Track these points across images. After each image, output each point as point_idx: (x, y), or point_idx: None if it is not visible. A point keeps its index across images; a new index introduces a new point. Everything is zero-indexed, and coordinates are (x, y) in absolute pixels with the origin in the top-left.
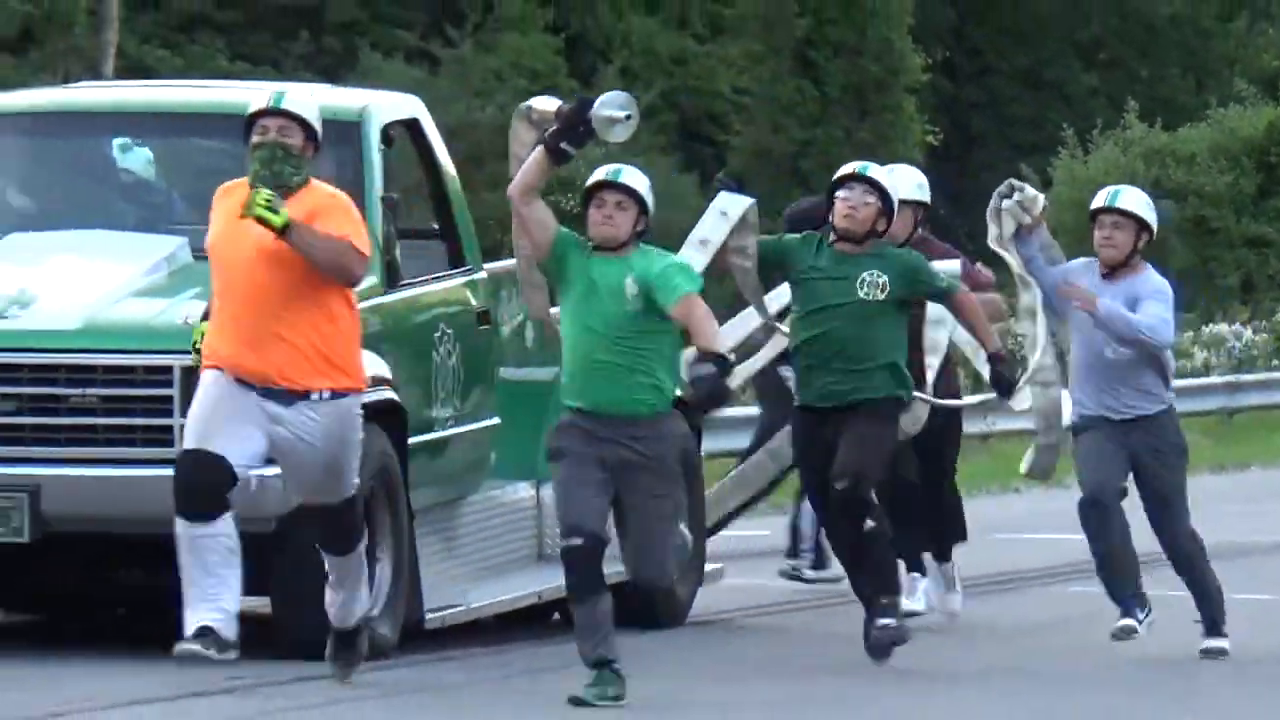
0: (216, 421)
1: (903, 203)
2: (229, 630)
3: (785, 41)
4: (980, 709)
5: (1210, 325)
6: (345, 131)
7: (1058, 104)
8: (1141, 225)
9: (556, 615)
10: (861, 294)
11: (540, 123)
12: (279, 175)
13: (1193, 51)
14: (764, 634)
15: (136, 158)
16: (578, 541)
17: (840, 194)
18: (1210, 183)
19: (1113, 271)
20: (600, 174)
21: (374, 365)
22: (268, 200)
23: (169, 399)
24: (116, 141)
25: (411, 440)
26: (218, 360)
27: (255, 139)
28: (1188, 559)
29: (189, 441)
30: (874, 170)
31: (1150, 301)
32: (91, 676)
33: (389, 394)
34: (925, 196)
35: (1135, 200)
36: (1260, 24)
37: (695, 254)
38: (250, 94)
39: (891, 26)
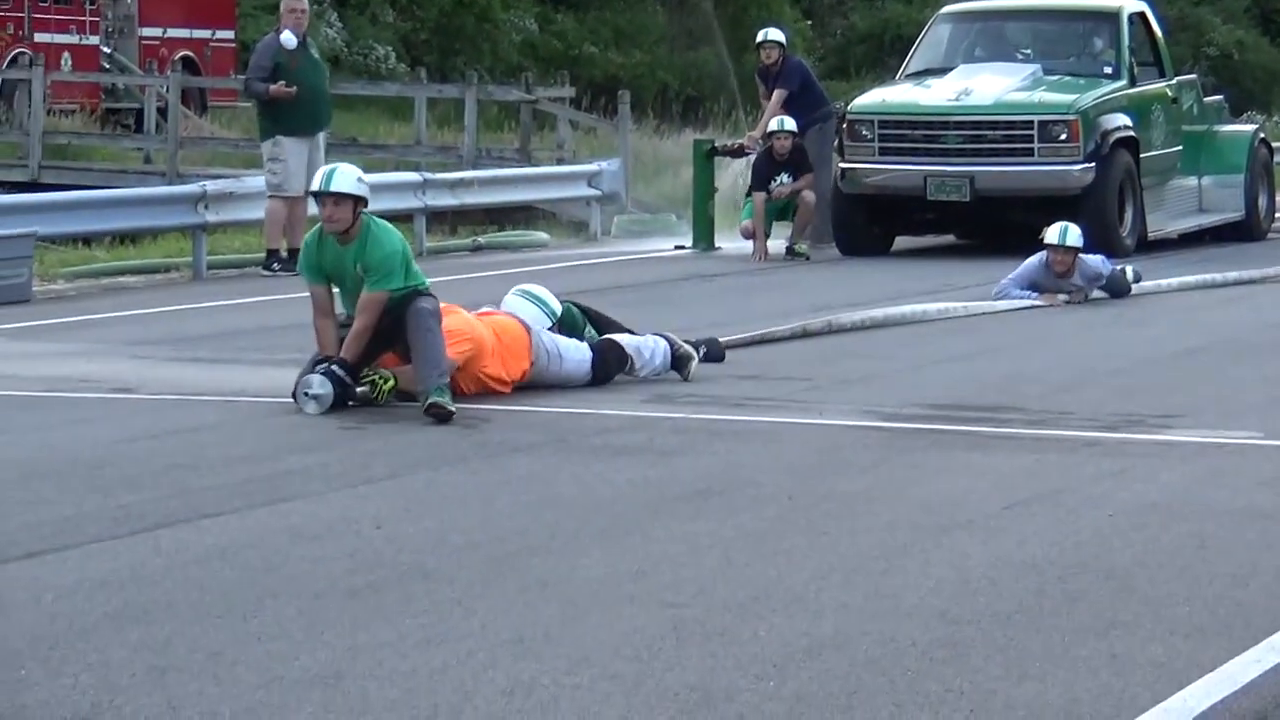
0: None
1: None
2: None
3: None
4: None
5: None
6: (1111, 18)
7: None
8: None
9: (1207, 236)
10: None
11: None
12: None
13: None
14: None
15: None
16: None
17: None
18: None
19: (1064, 273)
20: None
21: (1122, 120)
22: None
23: (1030, 138)
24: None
25: (1141, 155)
26: None
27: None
28: None
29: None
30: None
31: (1099, 272)
32: None
33: (1131, 134)
34: None
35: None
36: None
37: None
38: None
39: None
